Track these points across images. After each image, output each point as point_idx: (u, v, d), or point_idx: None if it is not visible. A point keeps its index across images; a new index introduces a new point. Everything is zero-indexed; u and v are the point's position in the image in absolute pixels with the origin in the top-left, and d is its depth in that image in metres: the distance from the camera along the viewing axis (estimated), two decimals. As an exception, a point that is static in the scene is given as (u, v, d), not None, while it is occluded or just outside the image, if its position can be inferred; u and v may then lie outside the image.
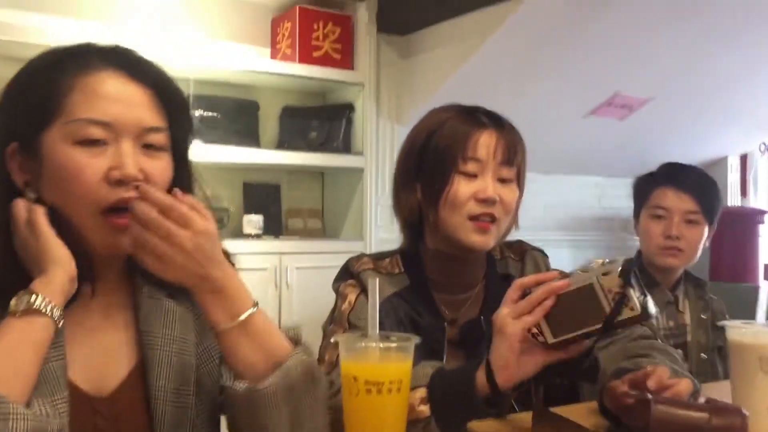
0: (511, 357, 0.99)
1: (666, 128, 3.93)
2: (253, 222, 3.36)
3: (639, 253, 1.83)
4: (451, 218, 1.22)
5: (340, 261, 4.06)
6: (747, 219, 4.39)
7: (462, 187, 1.21)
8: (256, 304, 0.93)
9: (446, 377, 1.04)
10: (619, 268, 0.94)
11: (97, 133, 0.89)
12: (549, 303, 0.98)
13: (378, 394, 0.88)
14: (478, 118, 1.24)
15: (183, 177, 0.99)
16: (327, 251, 3.47)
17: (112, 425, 0.92)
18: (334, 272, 4.29)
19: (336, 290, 1.29)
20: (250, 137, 3.42)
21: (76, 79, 0.90)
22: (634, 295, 0.93)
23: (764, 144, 4.93)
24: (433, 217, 1.24)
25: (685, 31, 3.17)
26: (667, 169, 1.87)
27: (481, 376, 1.01)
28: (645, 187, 1.85)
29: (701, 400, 1.06)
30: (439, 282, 1.28)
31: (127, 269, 1.01)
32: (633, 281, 0.94)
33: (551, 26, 3.01)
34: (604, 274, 0.95)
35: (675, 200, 1.79)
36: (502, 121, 1.25)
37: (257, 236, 3.33)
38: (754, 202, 4.78)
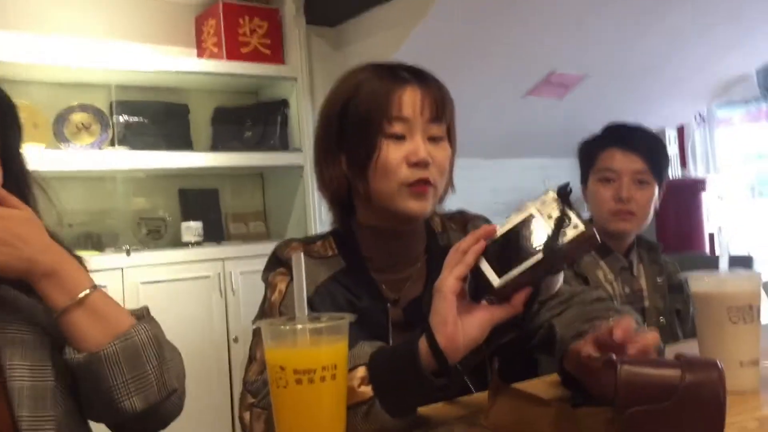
0: (448, 312, 0.88)
1: (604, 105, 3.92)
2: (192, 229, 3.21)
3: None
4: (384, 187, 1.10)
5: (285, 262, 3.90)
6: (689, 189, 4.43)
7: (391, 152, 1.09)
8: (95, 287, 0.95)
9: (387, 353, 0.92)
10: (554, 190, 0.85)
11: None
12: (479, 246, 0.88)
13: (310, 383, 0.77)
14: (398, 74, 1.12)
15: (10, 185, 0.97)
16: (270, 253, 3.34)
17: None
18: (280, 274, 4.07)
19: (265, 281, 1.18)
20: (182, 141, 3.27)
21: None
22: (574, 213, 0.83)
23: (699, 114, 4.98)
24: (363, 189, 1.12)
25: (616, 6, 3.15)
26: (613, 130, 1.80)
27: (423, 346, 0.88)
28: (591, 150, 1.77)
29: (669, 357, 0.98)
30: (376, 261, 1.18)
31: None
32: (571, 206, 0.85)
33: (479, 7, 2.95)
34: (541, 203, 0.86)
35: (623, 161, 1.73)
36: (425, 75, 1.14)
37: (197, 243, 3.19)
38: (694, 172, 4.82)
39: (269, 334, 0.81)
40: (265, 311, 1.13)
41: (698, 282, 1.07)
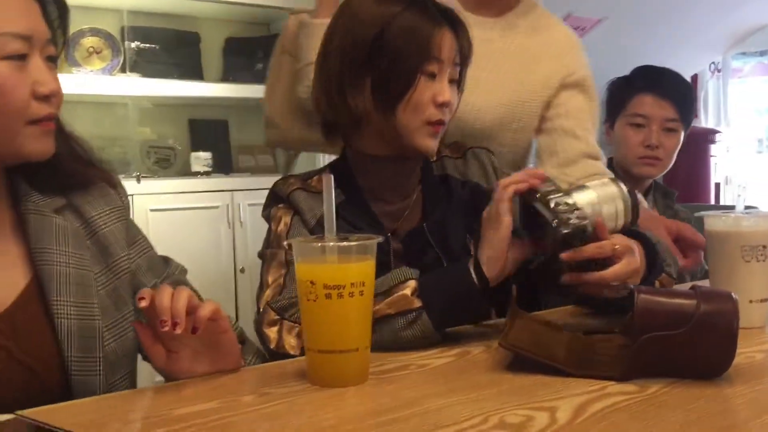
0: (503, 249, 1.00)
1: (619, 49, 3.87)
2: (201, 159, 3.22)
3: (610, 160, 1.76)
4: (411, 122, 1.13)
5: (294, 195, 3.90)
6: (699, 139, 4.40)
7: (424, 90, 1.13)
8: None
9: (439, 271, 1.02)
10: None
11: (21, 46, 0.86)
12: (541, 172, 1.03)
13: (339, 298, 0.80)
14: (433, 14, 1.14)
15: None
16: (280, 187, 3.37)
17: (14, 342, 0.87)
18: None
19: (267, 217, 1.19)
20: (193, 71, 3.25)
21: None
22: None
23: (714, 64, 4.93)
24: (385, 120, 1.13)
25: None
26: (646, 74, 1.79)
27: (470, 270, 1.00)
28: (622, 93, 1.77)
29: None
30: (375, 191, 1.19)
31: (7, 184, 0.94)
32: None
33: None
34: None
35: (655, 107, 1.73)
36: (456, 18, 1.18)
37: (206, 174, 3.20)
38: (705, 122, 4.80)
39: (299, 251, 0.83)
40: (272, 243, 1.14)
41: (715, 220, 1.09)
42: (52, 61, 0.91)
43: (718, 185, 4.66)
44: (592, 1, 3.48)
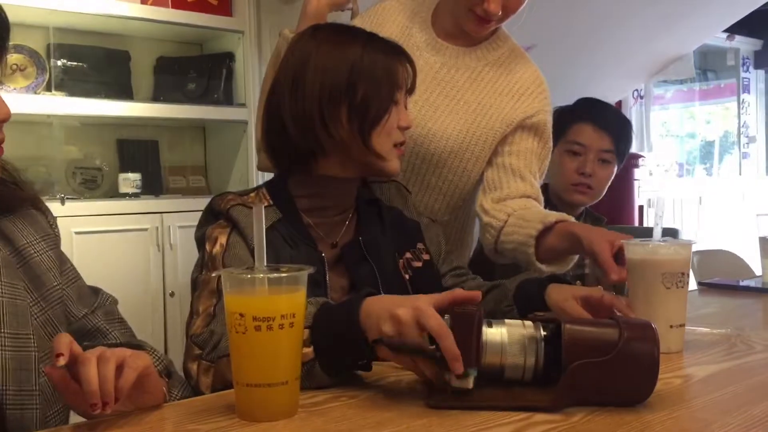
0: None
1: (546, 75, 4.00)
2: (129, 180, 3.14)
3: (546, 186, 1.81)
4: (384, 146, 1.23)
5: (226, 217, 3.82)
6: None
7: (392, 116, 1.23)
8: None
9: (326, 313, 0.95)
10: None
11: None
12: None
13: (269, 330, 0.79)
14: (389, 48, 1.25)
15: None
16: (212, 209, 3.31)
17: None
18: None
19: (201, 238, 1.19)
20: (123, 90, 3.18)
21: None
22: None
23: (636, 91, 5.13)
24: (363, 146, 1.21)
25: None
26: (588, 105, 1.85)
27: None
28: (563, 120, 1.82)
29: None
30: (313, 208, 1.25)
31: None
32: None
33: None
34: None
35: (593, 137, 1.79)
36: (403, 50, 1.27)
37: (135, 195, 3.13)
38: (629, 147, 4.97)
39: (229, 282, 0.82)
40: (206, 264, 1.13)
41: (636, 248, 1.13)
42: None
43: (641, 207, 4.83)
44: (520, 30, 3.57)
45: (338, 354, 0.93)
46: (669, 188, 5.62)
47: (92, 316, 1.00)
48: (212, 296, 1.08)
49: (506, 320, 0.89)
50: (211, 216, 1.21)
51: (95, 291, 1.04)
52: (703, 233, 5.44)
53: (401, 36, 1.60)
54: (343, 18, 1.69)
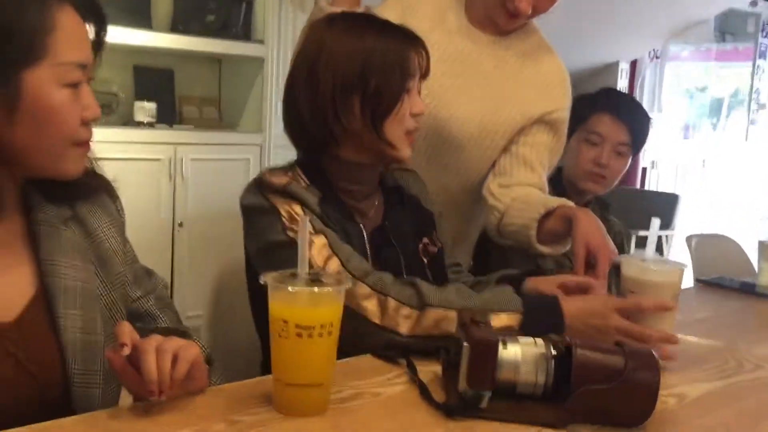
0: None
1: (568, 31, 3.97)
2: (145, 109, 3.17)
3: (560, 170, 1.86)
4: (396, 134, 1.26)
5: (237, 154, 3.91)
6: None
7: (405, 104, 1.25)
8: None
9: (535, 305, 1.16)
10: None
11: (80, 75, 0.90)
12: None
13: (309, 338, 0.87)
14: (403, 35, 1.26)
15: None
16: (224, 143, 3.36)
17: (23, 351, 0.90)
18: (231, 165, 4.12)
19: (255, 206, 1.21)
20: (142, 16, 3.16)
21: (56, 15, 0.87)
22: None
23: (653, 51, 5.10)
24: (375, 134, 1.24)
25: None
26: (609, 96, 1.88)
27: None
28: (583, 109, 1.84)
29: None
30: (346, 190, 1.30)
31: (20, 193, 0.96)
32: None
33: None
34: None
35: (612, 128, 1.82)
36: (417, 37, 1.28)
37: (150, 125, 3.16)
38: (640, 107, 4.98)
39: (274, 290, 0.89)
40: (287, 229, 1.17)
41: (652, 272, 1.20)
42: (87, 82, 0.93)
43: (645, 170, 4.89)
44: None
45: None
46: (672, 150, 5.65)
47: (145, 300, 1.07)
48: (324, 248, 1.16)
49: (519, 338, 0.97)
50: (268, 189, 1.22)
51: (149, 273, 1.11)
52: (705, 199, 5.50)
53: (435, 17, 1.63)
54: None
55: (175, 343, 0.88)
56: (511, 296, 1.17)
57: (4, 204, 0.92)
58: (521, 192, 1.55)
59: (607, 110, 1.84)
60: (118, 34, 2.95)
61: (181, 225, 3.25)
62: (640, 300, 1.18)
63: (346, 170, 1.28)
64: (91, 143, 0.94)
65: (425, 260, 1.37)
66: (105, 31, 0.95)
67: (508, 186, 1.57)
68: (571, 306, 1.17)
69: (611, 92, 1.91)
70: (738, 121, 6.21)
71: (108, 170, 1.06)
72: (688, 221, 4.82)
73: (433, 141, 1.60)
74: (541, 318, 1.15)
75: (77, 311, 0.94)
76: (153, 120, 3.17)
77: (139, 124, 3.14)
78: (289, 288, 0.88)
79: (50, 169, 0.92)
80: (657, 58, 5.09)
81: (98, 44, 0.95)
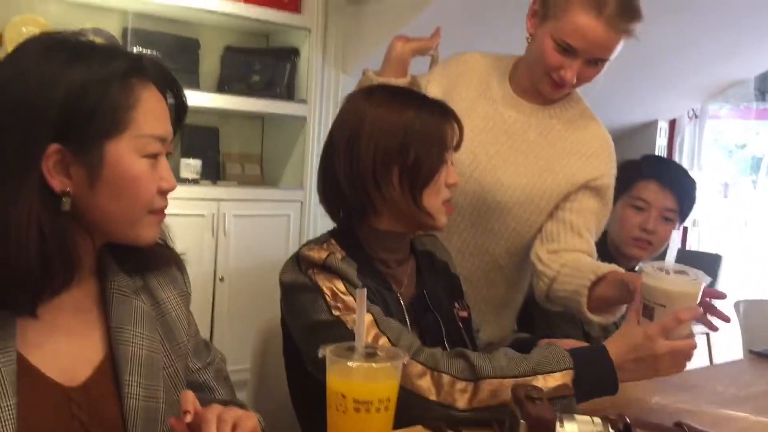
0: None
1: (607, 91, 3.99)
2: (191, 166, 3.25)
3: (605, 234, 1.86)
4: (433, 204, 1.29)
5: (279, 210, 3.95)
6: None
7: (442, 175, 1.29)
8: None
9: (588, 360, 1.17)
10: None
11: (159, 147, 0.95)
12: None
13: (366, 412, 0.88)
14: (441, 110, 1.30)
15: None
16: (266, 199, 3.41)
17: (87, 415, 0.93)
18: (273, 221, 4.17)
19: (295, 283, 1.22)
20: (190, 77, 3.27)
21: (140, 92, 0.93)
22: None
23: (692, 110, 5.09)
24: (413, 204, 1.26)
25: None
26: (654, 162, 1.89)
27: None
28: (628, 175, 1.85)
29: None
30: (382, 259, 1.32)
31: (96, 265, 1.00)
32: None
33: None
34: None
35: (658, 195, 1.83)
36: (451, 110, 1.32)
37: (194, 181, 3.23)
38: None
39: (332, 363, 0.90)
40: (331, 307, 1.18)
41: (679, 282, 1.22)
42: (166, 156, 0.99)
43: (686, 229, 4.83)
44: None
45: (593, 394, 1.17)
46: (712, 209, 5.57)
47: (204, 372, 1.10)
48: (373, 326, 1.16)
49: (576, 416, 0.96)
50: (307, 264, 1.23)
51: (207, 346, 1.14)
52: (747, 259, 5.39)
53: (480, 87, 1.67)
54: (424, 64, 1.75)
55: (234, 413, 0.90)
56: (559, 353, 1.17)
57: (83, 268, 0.96)
58: (570, 258, 1.55)
59: (653, 177, 1.84)
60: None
61: (222, 279, 3.29)
62: (678, 314, 1.18)
63: (382, 239, 1.31)
64: (165, 213, 0.98)
65: (460, 325, 1.38)
66: (184, 107, 1.01)
67: (557, 252, 1.58)
68: (615, 349, 1.18)
69: (656, 159, 1.92)
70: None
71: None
72: (730, 282, 4.73)
73: (479, 206, 1.62)
74: (592, 369, 1.16)
75: (142, 379, 0.97)
76: (198, 176, 3.25)
77: (185, 181, 3.22)
78: (348, 363, 0.89)
79: (127, 234, 0.96)
80: (696, 117, 5.07)
81: (178, 121, 1.01)
